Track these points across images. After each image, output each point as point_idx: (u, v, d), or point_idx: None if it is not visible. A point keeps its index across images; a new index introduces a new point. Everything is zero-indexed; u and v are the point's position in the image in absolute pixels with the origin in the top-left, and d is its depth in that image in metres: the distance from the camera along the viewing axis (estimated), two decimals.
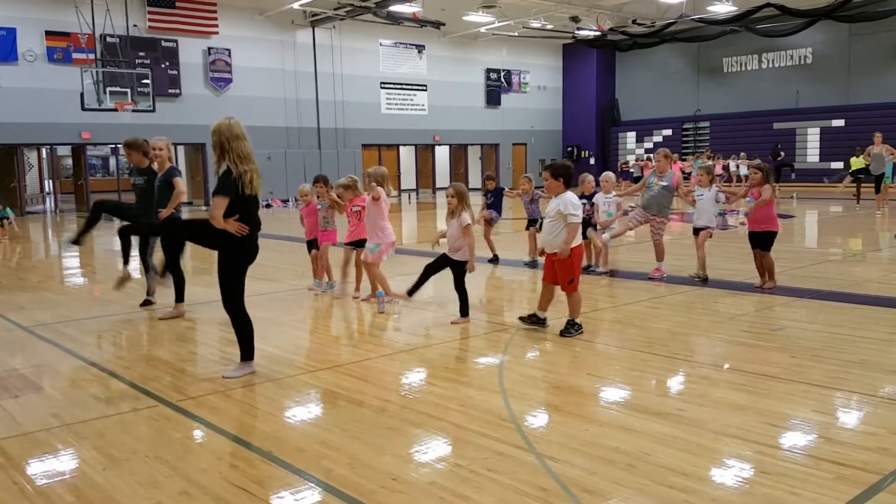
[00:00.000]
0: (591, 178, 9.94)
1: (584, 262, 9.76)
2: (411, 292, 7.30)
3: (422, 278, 7.19)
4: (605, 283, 9.10)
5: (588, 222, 9.55)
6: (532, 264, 10.51)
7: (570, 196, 6.29)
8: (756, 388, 4.84)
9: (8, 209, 17.15)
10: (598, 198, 9.50)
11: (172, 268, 7.51)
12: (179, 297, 7.61)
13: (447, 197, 7.10)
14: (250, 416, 4.62)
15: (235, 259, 5.33)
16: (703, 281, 8.67)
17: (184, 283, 7.63)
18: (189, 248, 14.03)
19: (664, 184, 9.04)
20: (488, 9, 27.78)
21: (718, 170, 27.78)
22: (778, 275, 8.36)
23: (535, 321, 6.59)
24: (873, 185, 18.95)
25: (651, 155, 29.51)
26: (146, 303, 8.12)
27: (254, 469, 3.74)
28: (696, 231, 8.83)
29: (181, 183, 7.46)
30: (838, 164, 27.66)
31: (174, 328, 7.16)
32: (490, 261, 10.79)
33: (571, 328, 6.35)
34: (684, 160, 30.59)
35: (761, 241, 8.20)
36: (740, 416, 4.28)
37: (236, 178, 5.19)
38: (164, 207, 7.33)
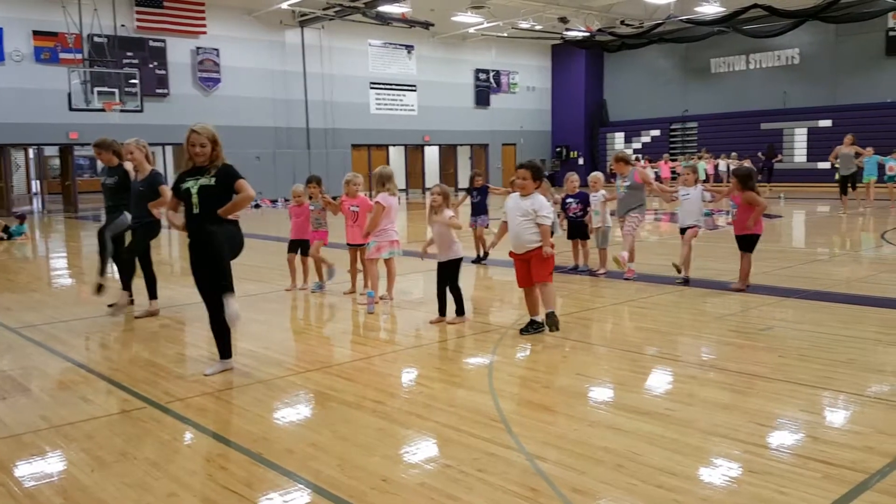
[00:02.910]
0: (575, 176, 10.02)
1: (572, 264, 9.82)
2: (443, 313, 7.07)
3: (441, 297, 7.06)
4: (594, 283, 9.12)
5: (576, 222, 9.59)
6: None
7: (542, 198, 6.40)
8: (744, 388, 4.87)
9: (24, 227, 17.06)
10: (591, 196, 9.59)
11: (145, 267, 7.63)
12: (152, 294, 7.65)
13: (433, 195, 7.13)
14: (239, 418, 4.60)
15: (240, 243, 5.44)
16: (685, 282, 8.70)
17: (155, 280, 7.70)
18: (180, 250, 13.99)
19: (627, 184, 9.17)
20: (477, 9, 27.81)
21: (710, 170, 27.87)
22: (765, 274, 8.42)
23: (535, 328, 6.45)
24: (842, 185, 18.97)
25: (639, 155, 29.66)
26: (130, 303, 8.10)
27: (242, 471, 3.73)
28: (683, 231, 8.84)
29: (167, 191, 7.44)
30: (825, 165, 27.83)
31: (161, 330, 7.13)
32: (474, 261, 10.79)
33: (554, 320, 6.27)
34: (675, 160, 30.71)
35: (744, 243, 8.25)
36: (728, 416, 4.31)
37: None
38: (145, 212, 7.38)
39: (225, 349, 5.54)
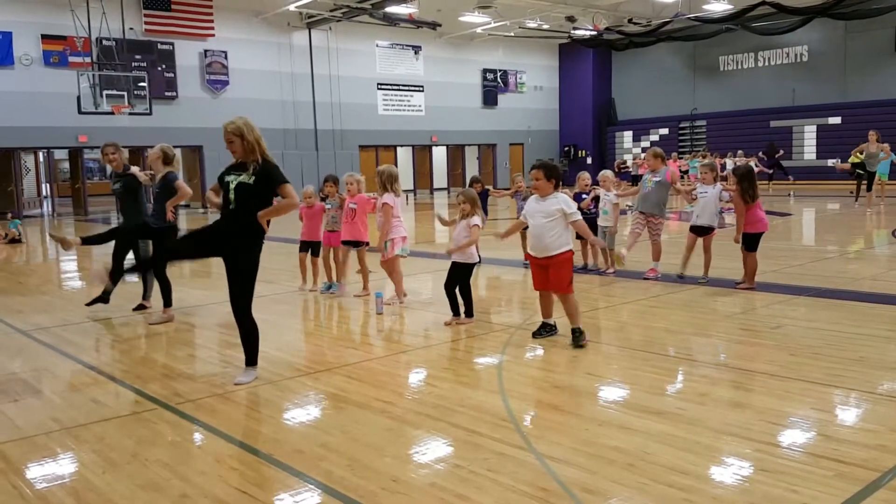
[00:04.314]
0: (586, 175, 9.99)
1: (581, 263, 9.79)
2: (456, 313, 7.02)
3: (451, 297, 7.02)
4: (603, 282, 9.10)
5: (587, 219, 9.57)
6: (528, 265, 10.52)
7: (565, 197, 6.13)
8: (755, 387, 4.85)
9: (17, 221, 17.12)
10: (601, 194, 9.53)
11: (159, 273, 7.59)
12: (167, 302, 7.61)
13: (460, 203, 7.09)
14: (249, 419, 4.62)
15: (257, 262, 5.35)
16: (680, 277, 8.78)
17: (170, 287, 7.63)
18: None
19: (658, 179, 9.05)
20: (484, 9, 27.81)
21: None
22: (775, 272, 8.38)
23: (548, 331, 6.34)
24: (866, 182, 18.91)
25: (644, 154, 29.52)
26: (140, 307, 8.12)
27: (253, 471, 3.74)
28: (694, 229, 8.79)
29: (183, 185, 7.51)
30: (835, 162, 27.69)
31: (172, 331, 7.15)
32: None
33: (581, 337, 6.02)
34: (682, 159, 30.62)
35: (746, 241, 8.22)
36: (739, 415, 4.29)
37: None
38: (161, 215, 7.45)
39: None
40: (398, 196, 7.88)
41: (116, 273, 7.84)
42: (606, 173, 9.81)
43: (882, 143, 18.81)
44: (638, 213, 9.26)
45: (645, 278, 8.98)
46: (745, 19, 27.58)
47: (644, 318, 7.08)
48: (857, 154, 18.76)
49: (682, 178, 25.95)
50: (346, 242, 8.55)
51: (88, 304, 8.13)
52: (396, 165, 33.50)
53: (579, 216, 6.16)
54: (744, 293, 8.04)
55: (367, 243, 8.54)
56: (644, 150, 33.54)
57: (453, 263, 7.01)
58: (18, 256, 14.40)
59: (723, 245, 9.03)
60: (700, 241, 8.76)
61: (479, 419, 4.36)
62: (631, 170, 30.19)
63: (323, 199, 8.90)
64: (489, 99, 36.03)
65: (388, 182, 7.85)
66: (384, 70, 32.44)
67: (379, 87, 32.29)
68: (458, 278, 6.99)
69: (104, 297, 8.07)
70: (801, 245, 13.05)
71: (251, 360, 5.42)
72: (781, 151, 28.39)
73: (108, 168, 8.10)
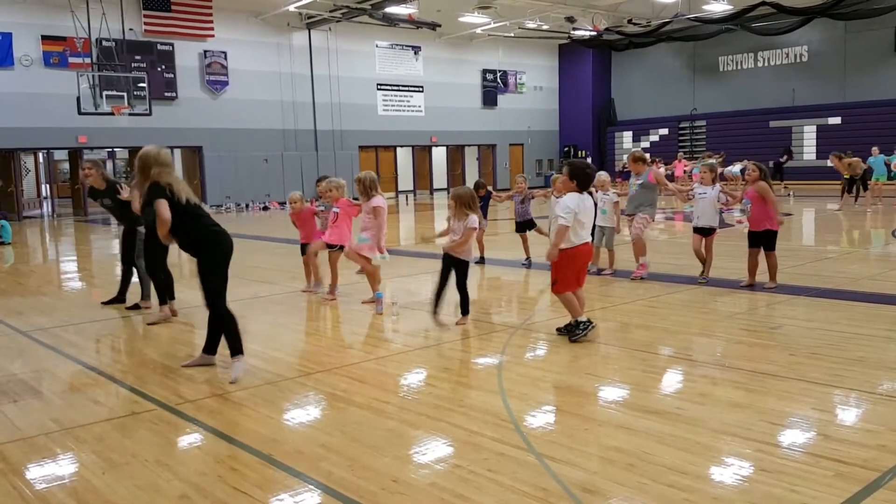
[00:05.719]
0: None
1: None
2: (436, 311, 6.82)
3: (439, 288, 6.90)
4: (603, 282, 9.10)
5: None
6: (528, 265, 10.53)
7: (567, 199, 6.09)
8: (755, 387, 4.85)
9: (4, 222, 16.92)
10: (598, 196, 9.54)
11: (157, 270, 7.67)
12: (162, 300, 7.65)
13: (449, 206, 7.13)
14: (249, 419, 4.61)
15: (213, 255, 5.47)
16: (639, 277, 8.93)
17: (163, 286, 7.67)
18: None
19: (640, 182, 9.18)
20: (484, 10, 27.81)
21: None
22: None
23: (585, 327, 6.25)
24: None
25: (648, 156, 29.45)
26: (135, 307, 8.15)
27: (253, 472, 3.74)
28: (698, 231, 8.78)
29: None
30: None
31: (171, 332, 7.16)
32: (476, 262, 10.79)
33: (576, 329, 6.10)
34: (686, 159, 30.58)
35: (763, 240, 8.19)
36: (739, 415, 4.29)
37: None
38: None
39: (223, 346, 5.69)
40: (384, 198, 7.97)
41: (129, 273, 8.16)
42: (602, 175, 9.82)
43: (872, 146, 19.04)
44: (626, 217, 9.42)
45: (631, 279, 8.99)
46: (744, 19, 27.57)
47: (644, 318, 7.08)
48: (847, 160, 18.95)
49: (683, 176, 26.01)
50: (330, 246, 8.54)
51: (105, 303, 8.41)
52: (396, 166, 33.79)
53: (561, 222, 6.01)
54: (744, 293, 8.04)
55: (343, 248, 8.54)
56: (644, 150, 33.54)
57: (456, 261, 6.89)
58: (3, 257, 14.39)
59: (723, 245, 9.03)
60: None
61: (478, 419, 4.36)
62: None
63: (318, 199, 8.94)
64: (489, 99, 36.02)
65: (370, 188, 7.86)
66: (384, 70, 32.43)
67: (378, 87, 32.28)
68: (456, 273, 6.95)
69: (121, 297, 8.35)
70: (800, 245, 13.04)
71: (234, 349, 5.46)
72: (786, 157, 28.45)
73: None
